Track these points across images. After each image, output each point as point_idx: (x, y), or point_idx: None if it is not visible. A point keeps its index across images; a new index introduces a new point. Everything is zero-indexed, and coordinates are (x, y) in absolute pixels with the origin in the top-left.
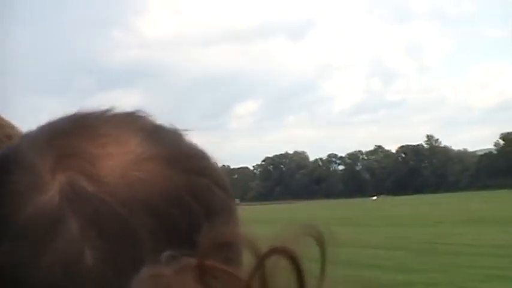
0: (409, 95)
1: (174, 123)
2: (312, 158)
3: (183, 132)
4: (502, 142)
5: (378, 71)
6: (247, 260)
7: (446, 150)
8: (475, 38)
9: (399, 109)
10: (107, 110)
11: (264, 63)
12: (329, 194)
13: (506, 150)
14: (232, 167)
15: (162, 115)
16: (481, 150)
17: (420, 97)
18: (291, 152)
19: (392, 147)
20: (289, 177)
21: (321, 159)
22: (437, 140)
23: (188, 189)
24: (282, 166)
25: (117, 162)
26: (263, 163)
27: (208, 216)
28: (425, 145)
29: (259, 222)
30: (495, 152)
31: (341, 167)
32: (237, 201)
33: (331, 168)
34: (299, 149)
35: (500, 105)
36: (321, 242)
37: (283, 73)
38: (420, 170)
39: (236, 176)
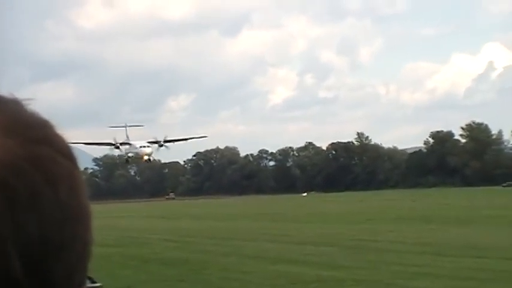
0: (341, 92)
1: (106, 116)
2: (243, 154)
3: (25, 102)
4: (431, 140)
5: (311, 67)
6: None
7: (376, 147)
8: (407, 36)
9: (331, 106)
10: None
11: (198, 58)
12: (260, 190)
13: (435, 148)
14: (163, 161)
15: (95, 107)
16: (411, 149)
17: (352, 94)
18: (222, 147)
19: (323, 144)
20: (220, 173)
21: (251, 155)
22: (367, 137)
23: (28, 159)
24: (212, 161)
25: None
26: (194, 158)
27: (50, 184)
28: (355, 142)
29: (187, 216)
30: (425, 150)
31: (272, 163)
32: (172, 194)
33: (262, 164)
34: (230, 145)
35: (431, 104)
36: None
37: (216, 68)
38: (351, 167)
39: (167, 170)
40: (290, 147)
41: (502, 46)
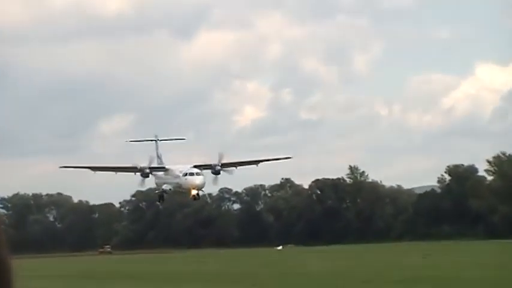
0: (329, 113)
1: (12, 145)
2: None
3: None
4: (448, 177)
5: (288, 80)
6: None
7: (375, 186)
8: (416, 40)
9: (315, 131)
10: None
11: (139, 66)
12: (220, 242)
13: (453, 188)
14: (91, 203)
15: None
16: (420, 188)
17: (343, 116)
18: None
19: (305, 182)
20: (167, 218)
21: (210, 195)
22: (363, 173)
23: None
24: (158, 203)
25: None
26: (133, 199)
27: None
28: (347, 179)
29: (118, 277)
30: (439, 190)
31: (236, 206)
32: (108, 248)
33: (224, 207)
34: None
35: (447, 130)
36: None
37: (164, 80)
38: (341, 213)
39: (97, 215)
40: (261, 186)
41: None
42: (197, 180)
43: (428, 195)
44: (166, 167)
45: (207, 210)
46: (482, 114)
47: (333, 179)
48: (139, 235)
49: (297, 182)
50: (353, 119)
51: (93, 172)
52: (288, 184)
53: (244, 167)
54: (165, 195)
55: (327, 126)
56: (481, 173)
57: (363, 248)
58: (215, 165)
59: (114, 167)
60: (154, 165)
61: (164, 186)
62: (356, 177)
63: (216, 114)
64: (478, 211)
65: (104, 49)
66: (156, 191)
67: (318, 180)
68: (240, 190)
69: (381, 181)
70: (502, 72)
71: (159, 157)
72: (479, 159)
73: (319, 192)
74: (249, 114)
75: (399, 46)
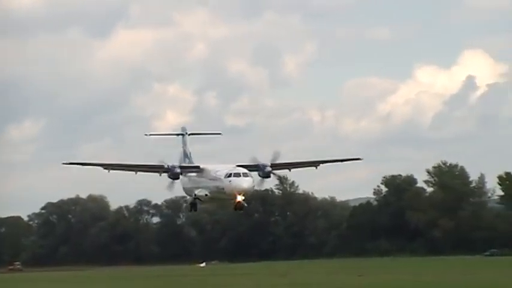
0: (258, 119)
1: None
2: (114, 206)
3: None
4: (384, 189)
5: (214, 83)
6: None
7: (306, 198)
8: (352, 41)
9: (243, 138)
10: None
11: (51, 67)
12: (138, 258)
13: (390, 200)
14: None
15: None
16: (355, 200)
17: (273, 122)
18: (84, 196)
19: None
20: (80, 233)
21: (127, 207)
22: (293, 183)
23: None
24: (70, 216)
25: None
26: (43, 212)
27: None
28: (276, 191)
29: None
30: (375, 202)
31: (156, 220)
32: (18, 265)
33: (142, 221)
34: (96, 192)
35: (384, 137)
36: None
37: (78, 82)
38: (269, 227)
39: (3, 229)
40: (183, 197)
41: (485, 55)
42: (245, 182)
43: (364, 208)
44: (201, 166)
45: (123, 224)
46: (422, 121)
47: (260, 191)
48: (49, 251)
49: None
50: (283, 125)
51: (107, 171)
52: None
53: (300, 169)
54: (198, 202)
55: (255, 132)
56: (420, 184)
57: (293, 264)
58: (264, 166)
59: (134, 165)
60: (186, 164)
61: (197, 192)
62: (286, 188)
63: (134, 119)
64: (417, 225)
65: (12, 49)
66: (189, 197)
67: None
68: (159, 202)
69: (312, 193)
70: (443, 75)
71: (187, 156)
72: (418, 169)
73: (246, 205)
74: (171, 119)
75: (334, 47)
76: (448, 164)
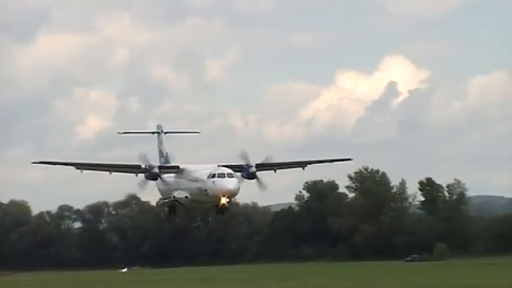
0: (180, 124)
1: None
2: (35, 211)
3: None
4: (306, 194)
5: (136, 88)
6: None
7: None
8: (274, 46)
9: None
10: None
11: None
12: (60, 263)
13: (312, 206)
14: None
15: None
16: (277, 206)
17: (195, 127)
18: (5, 201)
19: (152, 199)
20: (1, 238)
21: (48, 212)
22: None
23: None
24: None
25: None
26: None
27: None
28: None
29: None
30: (297, 208)
31: (78, 225)
32: None
33: (64, 226)
34: (17, 197)
35: (306, 142)
36: None
37: (1, 87)
38: (191, 232)
39: None
40: (104, 203)
41: (407, 61)
42: (230, 184)
43: (286, 213)
44: (181, 166)
45: (45, 229)
46: (344, 126)
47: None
48: None
49: (143, 198)
50: (206, 131)
51: (79, 171)
52: (134, 201)
53: (285, 170)
54: (177, 205)
55: (177, 138)
56: (342, 189)
57: (214, 270)
58: (249, 166)
59: (109, 165)
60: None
61: (177, 194)
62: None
63: (56, 125)
64: (339, 230)
65: None
66: (165, 201)
67: None
68: (81, 207)
69: (235, 199)
70: (365, 80)
71: (164, 156)
72: (340, 174)
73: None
74: (93, 124)
75: (257, 52)
76: (369, 170)
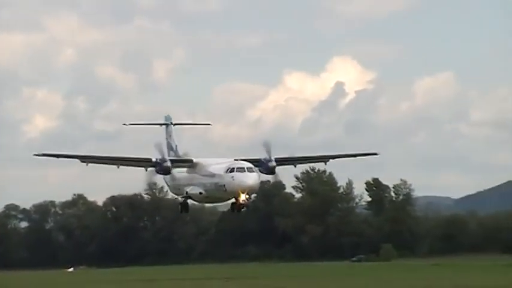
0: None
1: None
2: None
3: None
4: (253, 194)
5: (83, 87)
6: None
7: (174, 204)
8: (221, 46)
9: (112, 143)
10: None
11: None
12: (6, 263)
13: (258, 206)
14: None
15: None
16: (224, 205)
17: (142, 127)
18: None
19: (99, 198)
20: None
21: None
22: (161, 189)
23: None
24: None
25: None
26: None
27: None
28: (145, 196)
29: None
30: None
31: (24, 224)
32: None
33: (10, 226)
34: None
35: (253, 142)
36: None
37: None
38: (138, 232)
39: None
40: (51, 202)
41: (354, 62)
42: (250, 179)
43: (233, 213)
44: (194, 160)
45: None
46: (291, 127)
47: (129, 196)
48: None
49: (90, 198)
50: (154, 130)
51: (85, 164)
52: (81, 201)
53: (306, 164)
54: (187, 200)
55: (125, 137)
56: (289, 189)
57: (160, 270)
58: (267, 161)
59: (117, 158)
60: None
61: (189, 190)
62: (155, 193)
63: (2, 124)
64: (285, 230)
65: None
66: (178, 197)
67: (113, 196)
68: (27, 207)
69: None
70: (312, 81)
71: (172, 149)
72: (287, 174)
73: (114, 210)
74: (39, 124)
75: (204, 53)
76: (316, 170)
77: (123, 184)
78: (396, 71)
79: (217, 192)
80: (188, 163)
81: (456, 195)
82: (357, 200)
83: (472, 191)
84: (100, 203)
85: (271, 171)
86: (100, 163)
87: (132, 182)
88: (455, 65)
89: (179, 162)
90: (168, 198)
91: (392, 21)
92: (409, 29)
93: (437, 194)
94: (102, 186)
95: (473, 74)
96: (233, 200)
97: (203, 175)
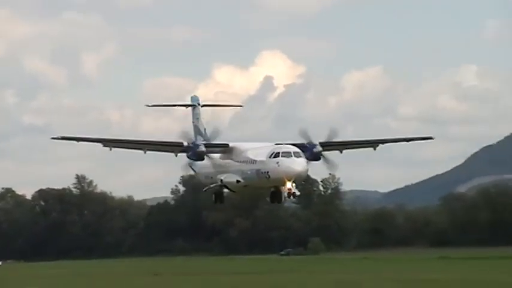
0: (56, 117)
1: None
2: None
3: None
4: (182, 188)
5: (11, 80)
6: None
7: (103, 198)
8: (152, 41)
9: (41, 137)
10: None
11: None
12: None
13: (187, 200)
14: None
15: None
16: (153, 199)
17: (72, 121)
18: None
19: (27, 192)
20: None
21: None
22: (91, 182)
23: None
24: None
25: None
26: None
27: None
28: (74, 190)
29: None
30: (173, 202)
31: None
32: None
33: None
34: None
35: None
36: None
37: None
38: (67, 226)
39: None
40: None
41: (283, 56)
42: (298, 165)
43: (161, 207)
44: (230, 144)
45: None
46: (220, 121)
47: (58, 190)
48: None
49: (18, 192)
50: (83, 124)
51: (108, 149)
52: (9, 194)
53: (353, 150)
54: (223, 189)
55: (53, 130)
56: None
57: (88, 264)
58: (312, 146)
59: (144, 142)
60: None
61: (224, 178)
62: (83, 187)
63: None
64: (214, 224)
65: None
66: (211, 186)
67: (42, 190)
68: None
69: (111, 192)
70: (241, 75)
71: (201, 134)
72: None
73: (43, 204)
74: None
75: (134, 47)
76: None
77: (53, 178)
78: (325, 66)
79: (259, 180)
80: (223, 147)
81: (384, 189)
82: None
83: (400, 185)
84: (29, 196)
85: (316, 156)
86: (124, 147)
87: (62, 175)
88: (383, 59)
89: (213, 146)
90: (97, 193)
91: (322, 16)
92: (338, 24)
93: (366, 188)
94: (31, 179)
95: (401, 69)
96: (273, 189)
97: (241, 161)
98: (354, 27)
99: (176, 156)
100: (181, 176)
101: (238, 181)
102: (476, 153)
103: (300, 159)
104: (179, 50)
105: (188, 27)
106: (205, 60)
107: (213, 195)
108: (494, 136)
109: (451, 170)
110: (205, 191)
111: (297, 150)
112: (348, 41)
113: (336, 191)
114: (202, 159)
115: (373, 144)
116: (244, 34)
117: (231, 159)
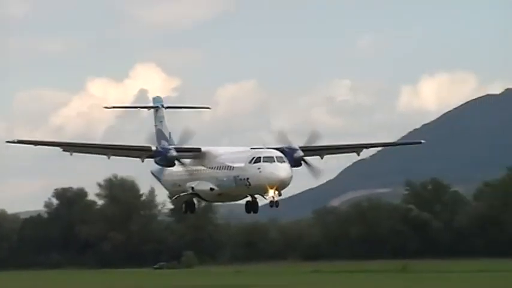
0: None
1: None
2: None
3: None
4: (55, 202)
5: None
6: None
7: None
8: (25, 52)
9: None
10: None
11: None
12: None
13: (61, 213)
14: None
15: None
16: (26, 213)
17: None
18: None
19: None
20: None
21: None
22: None
23: None
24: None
25: None
26: None
27: None
28: None
29: None
30: (46, 215)
31: None
32: None
33: None
34: None
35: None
36: None
37: None
38: None
39: None
40: None
41: (158, 69)
42: (282, 170)
43: (34, 220)
44: (203, 148)
45: None
46: (94, 134)
47: None
48: None
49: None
50: None
51: (69, 154)
52: None
53: (334, 155)
54: (195, 201)
55: None
56: (92, 197)
57: None
58: (293, 150)
59: (108, 146)
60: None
61: (196, 185)
62: None
63: None
64: (88, 238)
65: None
66: (181, 194)
67: None
68: None
69: None
70: (115, 88)
71: (165, 138)
72: (90, 182)
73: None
74: None
75: (5, 58)
76: (118, 178)
77: None
78: (199, 78)
79: (237, 187)
80: (195, 152)
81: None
82: (159, 208)
83: None
84: None
85: (297, 162)
86: (87, 152)
87: None
88: (258, 73)
89: (184, 151)
90: None
91: (196, 29)
92: (213, 37)
93: (239, 202)
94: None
95: (275, 84)
96: (249, 198)
97: (216, 167)
98: (228, 40)
99: (143, 161)
100: (55, 189)
101: (212, 189)
102: (348, 167)
103: (283, 164)
104: (52, 61)
105: (61, 38)
106: (79, 72)
107: (183, 205)
108: (366, 151)
109: (324, 184)
110: (172, 200)
111: (280, 154)
112: (222, 54)
113: (209, 205)
114: (173, 164)
115: (357, 149)
116: (118, 47)
117: (203, 165)
